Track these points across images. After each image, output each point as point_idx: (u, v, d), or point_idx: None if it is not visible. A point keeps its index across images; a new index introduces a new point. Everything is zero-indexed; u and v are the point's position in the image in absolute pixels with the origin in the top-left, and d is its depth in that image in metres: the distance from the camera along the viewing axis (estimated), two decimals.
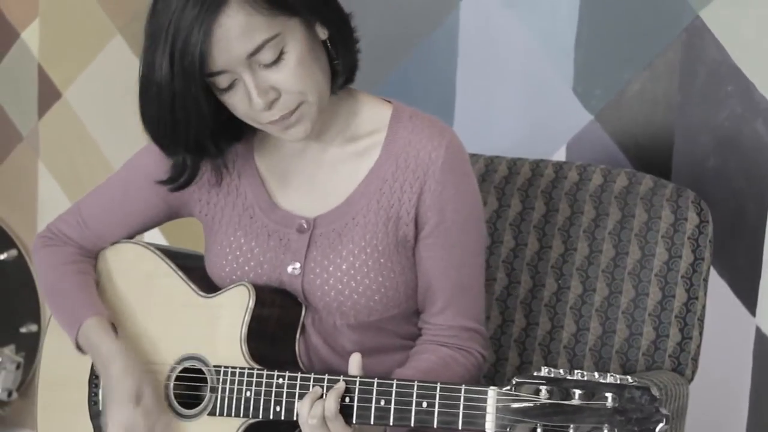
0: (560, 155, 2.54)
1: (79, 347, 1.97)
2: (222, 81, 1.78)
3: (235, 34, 1.73)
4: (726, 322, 2.41)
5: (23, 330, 3.29)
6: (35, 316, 3.28)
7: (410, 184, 1.87)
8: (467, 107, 2.62)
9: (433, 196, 1.86)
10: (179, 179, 1.92)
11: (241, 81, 1.77)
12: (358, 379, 1.73)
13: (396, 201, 1.88)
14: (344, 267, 1.87)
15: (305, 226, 1.90)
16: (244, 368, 1.83)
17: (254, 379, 1.82)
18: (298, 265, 1.89)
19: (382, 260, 1.87)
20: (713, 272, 2.38)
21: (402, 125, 1.89)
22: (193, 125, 1.80)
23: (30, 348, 3.28)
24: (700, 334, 2.15)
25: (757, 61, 2.35)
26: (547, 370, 1.55)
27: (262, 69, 1.77)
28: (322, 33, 1.82)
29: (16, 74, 3.21)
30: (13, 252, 3.28)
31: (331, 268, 1.87)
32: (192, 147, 1.85)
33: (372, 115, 1.91)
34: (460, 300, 1.91)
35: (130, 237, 2.06)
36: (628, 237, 2.18)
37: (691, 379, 2.16)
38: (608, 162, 2.47)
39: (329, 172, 1.91)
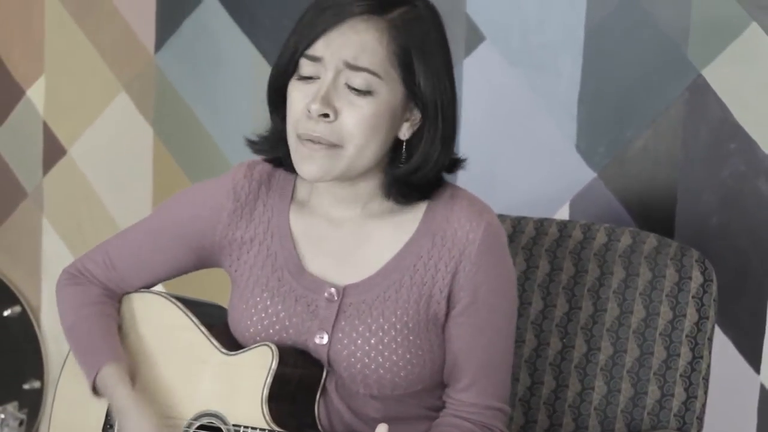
0: (563, 213, 2.54)
1: (95, 390, 1.96)
2: (307, 68, 1.80)
3: (355, 39, 1.77)
4: (730, 379, 2.41)
5: (26, 386, 3.28)
6: (38, 373, 3.28)
7: (445, 263, 1.85)
8: (470, 165, 2.61)
9: (467, 277, 1.85)
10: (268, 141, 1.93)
11: (320, 81, 1.79)
12: None
13: (430, 279, 1.86)
14: (373, 341, 1.85)
15: (335, 295, 1.88)
16: (264, 429, 1.83)
17: None
18: (325, 335, 1.87)
19: (411, 337, 1.86)
20: (717, 330, 2.38)
21: (442, 202, 1.87)
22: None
23: (33, 404, 3.27)
24: (705, 393, 2.15)
25: (760, 119, 2.36)
26: None
27: (343, 89, 1.78)
28: (407, 131, 1.84)
29: (21, 131, 3.22)
30: (17, 308, 3.28)
31: (359, 341, 1.86)
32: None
33: None
34: (485, 380, 1.89)
35: (156, 283, 2.06)
36: (633, 296, 2.18)
37: None
38: (611, 219, 2.48)
39: (364, 242, 1.90)
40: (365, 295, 1.87)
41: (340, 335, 1.87)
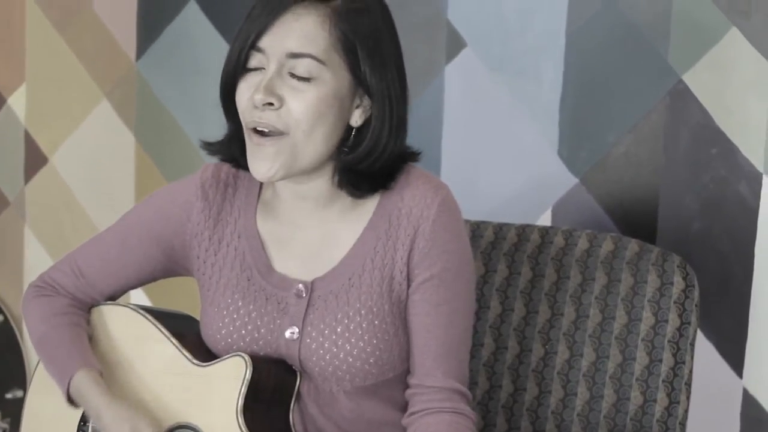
0: (546, 218, 2.55)
1: (70, 400, 1.95)
2: (253, 60, 1.81)
3: (296, 27, 1.78)
4: (713, 384, 2.41)
5: (9, 396, 3.27)
6: (21, 382, 3.27)
7: (402, 243, 1.86)
8: (453, 171, 2.63)
9: (422, 254, 1.85)
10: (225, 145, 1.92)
11: (264, 72, 1.80)
12: None
13: (390, 260, 1.87)
14: (339, 330, 1.86)
15: (303, 291, 1.89)
16: None
17: None
18: (296, 329, 1.88)
19: (376, 322, 1.86)
20: (700, 334, 2.38)
21: (398, 183, 1.88)
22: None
23: (16, 414, 3.26)
24: (688, 398, 2.15)
25: (740, 123, 2.37)
26: None
27: (287, 77, 1.79)
28: (359, 117, 1.84)
29: (2, 139, 3.21)
30: None
31: (326, 332, 1.86)
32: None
33: None
34: (448, 362, 1.88)
35: (125, 290, 2.05)
36: (615, 302, 2.18)
37: None
38: (593, 225, 2.48)
39: (328, 240, 1.91)
40: (332, 285, 1.88)
41: (309, 329, 1.87)
